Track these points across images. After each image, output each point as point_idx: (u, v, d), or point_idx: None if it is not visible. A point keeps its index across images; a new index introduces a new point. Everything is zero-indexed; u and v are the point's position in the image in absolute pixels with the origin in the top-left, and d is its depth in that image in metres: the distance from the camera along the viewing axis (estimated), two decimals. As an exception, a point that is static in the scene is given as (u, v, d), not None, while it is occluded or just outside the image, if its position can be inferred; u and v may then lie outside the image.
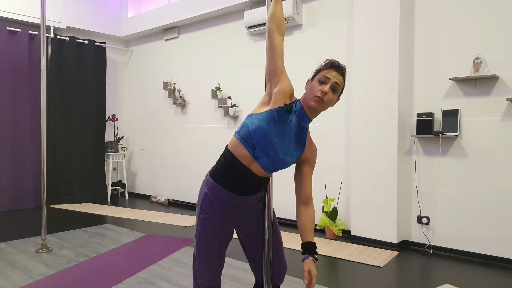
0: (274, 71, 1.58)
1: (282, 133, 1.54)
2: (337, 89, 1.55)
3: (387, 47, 3.64)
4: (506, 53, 3.20)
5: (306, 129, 1.62)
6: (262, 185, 1.66)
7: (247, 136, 1.54)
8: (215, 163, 1.68)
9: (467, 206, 3.37)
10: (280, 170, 1.62)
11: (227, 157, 1.59)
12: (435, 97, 3.55)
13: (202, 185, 1.66)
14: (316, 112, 1.58)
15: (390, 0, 3.61)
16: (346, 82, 1.63)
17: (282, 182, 4.57)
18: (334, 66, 1.56)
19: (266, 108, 1.56)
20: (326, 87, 1.52)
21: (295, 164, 1.67)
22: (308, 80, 1.61)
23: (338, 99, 1.62)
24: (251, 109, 1.78)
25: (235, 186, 1.58)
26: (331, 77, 1.53)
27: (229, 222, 1.65)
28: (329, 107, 1.59)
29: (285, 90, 1.56)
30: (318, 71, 1.58)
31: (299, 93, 1.61)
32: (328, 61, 1.59)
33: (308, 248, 1.59)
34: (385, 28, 3.65)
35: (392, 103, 3.61)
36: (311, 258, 1.57)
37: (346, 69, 1.62)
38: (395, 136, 3.61)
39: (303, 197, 1.65)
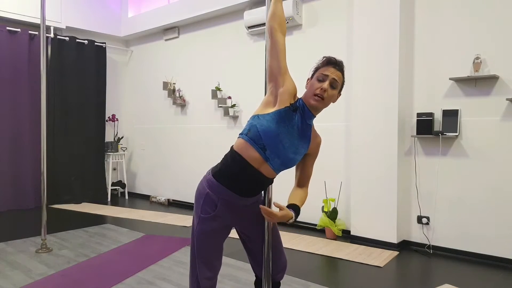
0: (278, 70, 1.58)
1: (290, 132, 1.54)
2: (335, 85, 1.56)
3: (387, 47, 3.63)
4: (506, 53, 3.20)
5: (311, 125, 1.63)
6: (267, 185, 1.68)
7: (257, 138, 1.52)
8: (218, 163, 1.66)
9: (467, 206, 3.37)
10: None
11: (236, 159, 1.56)
12: (435, 97, 3.54)
13: (202, 185, 1.64)
14: (318, 109, 1.59)
15: (390, 0, 3.62)
16: (346, 79, 1.64)
17: (282, 182, 4.57)
18: (331, 62, 1.57)
19: (272, 109, 1.55)
20: (325, 84, 1.53)
21: None
22: (308, 79, 1.62)
23: (340, 95, 1.63)
24: (251, 109, 1.78)
25: (242, 188, 1.57)
26: (329, 74, 1.54)
27: (230, 221, 1.65)
28: (331, 102, 1.60)
29: (290, 90, 1.57)
30: (316, 69, 1.60)
31: (300, 93, 1.61)
32: (325, 58, 1.60)
33: (293, 207, 1.61)
34: (385, 28, 3.65)
35: (392, 103, 3.61)
36: (291, 210, 1.58)
37: (344, 65, 1.63)
38: (395, 136, 3.61)
39: (301, 184, 1.71)
